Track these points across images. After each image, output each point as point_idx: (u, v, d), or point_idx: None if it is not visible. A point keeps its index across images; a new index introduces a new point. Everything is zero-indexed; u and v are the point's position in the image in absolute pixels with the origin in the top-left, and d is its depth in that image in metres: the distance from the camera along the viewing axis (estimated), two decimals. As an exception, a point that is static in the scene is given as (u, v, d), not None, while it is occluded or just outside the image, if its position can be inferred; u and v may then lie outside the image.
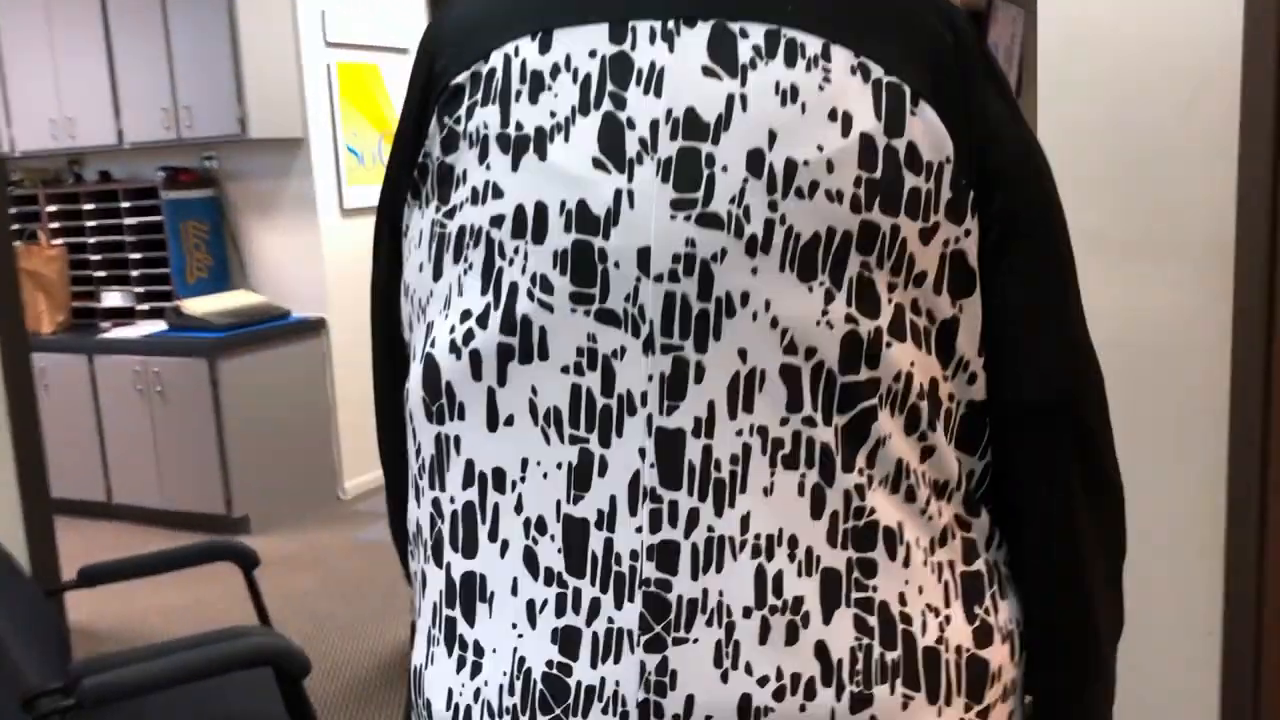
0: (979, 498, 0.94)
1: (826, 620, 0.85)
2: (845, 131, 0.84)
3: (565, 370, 0.88)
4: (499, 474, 0.89)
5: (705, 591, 0.84)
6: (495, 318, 0.89)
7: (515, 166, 0.88)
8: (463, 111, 0.91)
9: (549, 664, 0.86)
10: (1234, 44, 1.77)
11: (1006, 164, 0.90)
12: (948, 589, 0.89)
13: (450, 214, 0.92)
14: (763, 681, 0.83)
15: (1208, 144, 1.83)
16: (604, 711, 0.84)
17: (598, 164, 0.86)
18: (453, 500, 0.92)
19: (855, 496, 0.86)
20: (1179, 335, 1.82)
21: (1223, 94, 1.80)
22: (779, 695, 0.83)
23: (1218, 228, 1.82)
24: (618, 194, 0.86)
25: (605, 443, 0.86)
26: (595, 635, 0.85)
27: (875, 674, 0.85)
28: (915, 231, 0.87)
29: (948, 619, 0.88)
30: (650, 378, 0.86)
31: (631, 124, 0.86)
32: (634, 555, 0.85)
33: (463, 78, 0.92)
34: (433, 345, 0.93)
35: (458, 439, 0.92)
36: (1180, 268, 1.83)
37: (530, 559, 0.87)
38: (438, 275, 0.94)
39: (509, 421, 0.89)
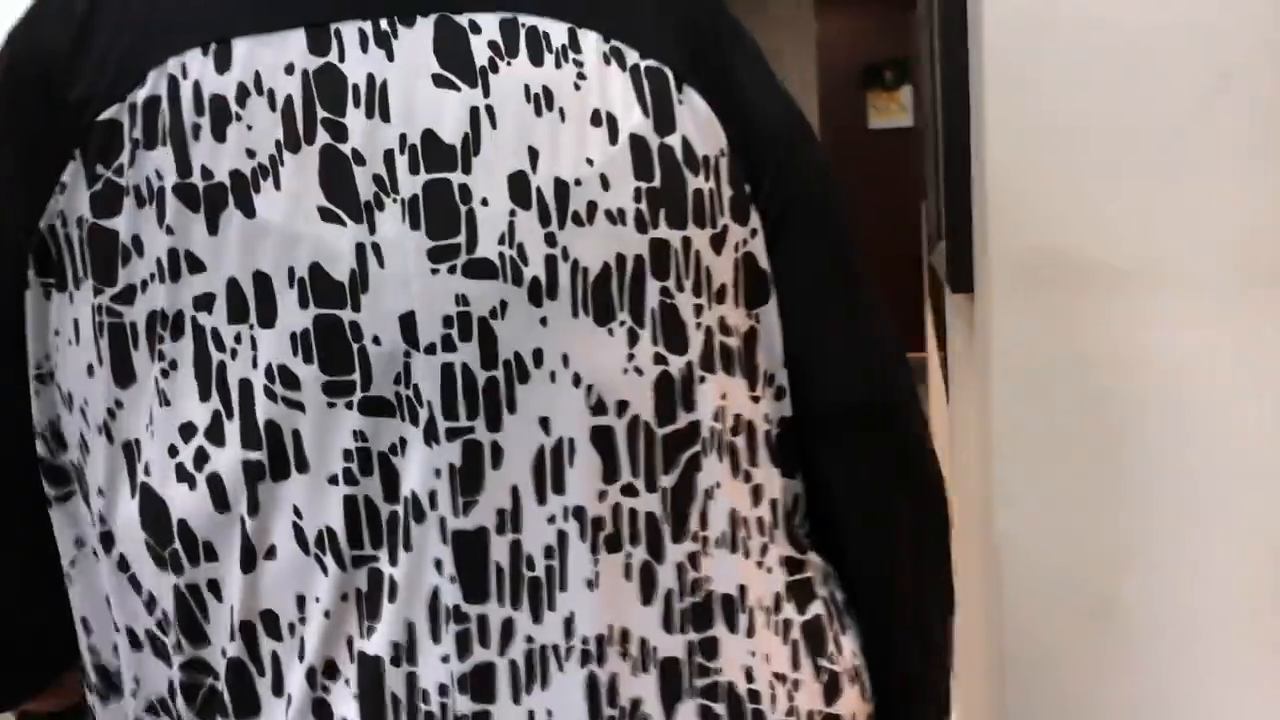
0: (805, 531, 0.84)
1: (669, 717, 0.75)
2: (613, 137, 0.73)
3: (333, 480, 0.72)
4: (269, 617, 0.74)
5: (531, 714, 0.73)
6: (232, 430, 0.73)
7: (214, 228, 0.71)
8: (124, 159, 0.71)
9: None
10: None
11: (769, 142, 0.79)
12: (795, 649, 0.81)
13: (124, 298, 0.73)
14: None
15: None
16: None
17: (326, 214, 0.71)
18: (224, 653, 0.75)
19: (690, 568, 0.76)
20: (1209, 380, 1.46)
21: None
22: None
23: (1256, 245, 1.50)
24: (360, 250, 0.71)
25: (394, 559, 0.72)
26: None
27: None
28: (706, 240, 0.77)
29: (796, 684, 0.80)
30: (438, 473, 0.72)
31: (359, 158, 0.71)
32: (443, 690, 0.72)
33: (114, 111, 0.71)
34: (147, 474, 0.74)
35: (214, 583, 0.74)
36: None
37: (322, 712, 0.73)
38: (124, 380, 0.74)
39: (270, 554, 0.73)
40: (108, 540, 0.77)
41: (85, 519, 0.79)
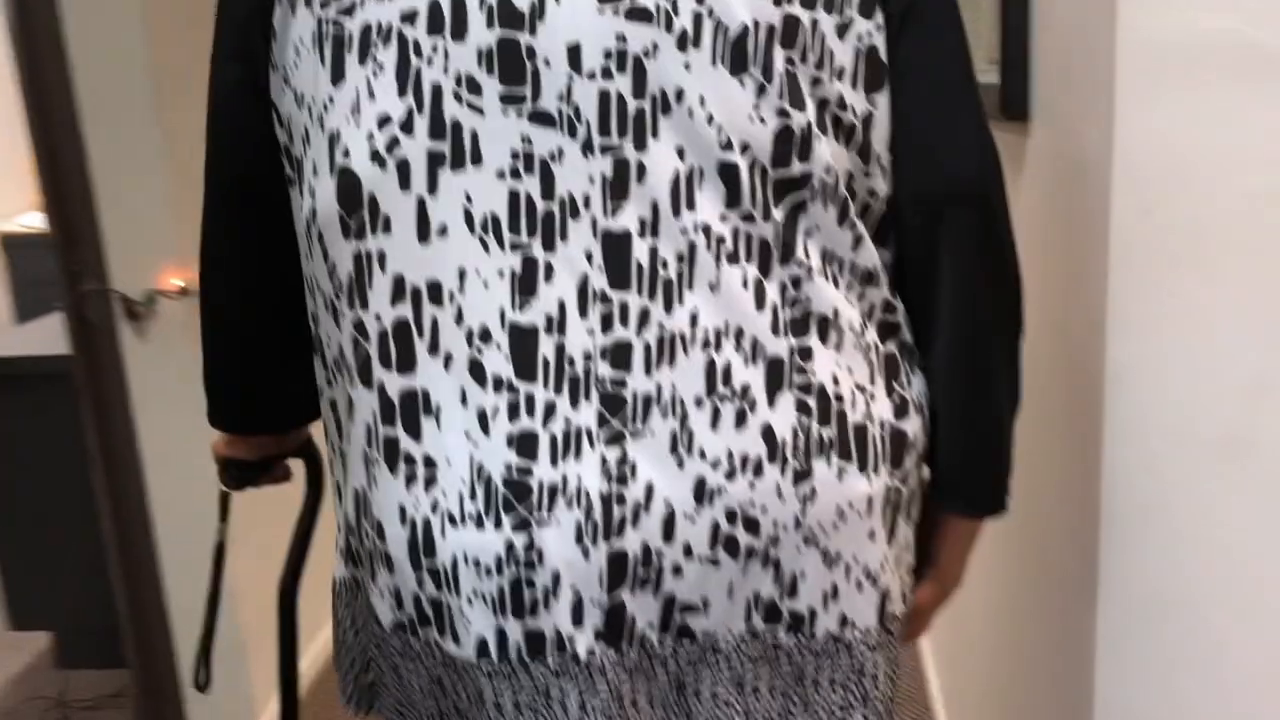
0: (891, 286, 0.99)
1: (771, 404, 0.91)
2: None
3: (501, 175, 0.88)
4: (434, 287, 0.90)
5: (659, 386, 0.89)
6: (421, 123, 0.88)
7: None
8: None
9: (508, 467, 0.88)
10: None
11: None
12: (872, 368, 0.96)
13: (348, 11, 0.89)
14: (715, 465, 0.89)
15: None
16: (568, 506, 0.87)
17: None
18: (379, 319, 0.91)
19: (792, 287, 0.92)
20: None
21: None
22: (730, 476, 0.89)
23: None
24: None
25: (549, 247, 0.88)
26: (553, 436, 0.88)
27: (814, 450, 0.92)
28: (832, 26, 0.90)
29: (873, 396, 0.95)
30: (592, 180, 0.88)
31: None
32: (587, 356, 0.88)
33: None
34: (346, 156, 0.90)
35: (382, 254, 0.91)
36: None
37: (476, 369, 0.89)
38: (338, 79, 0.90)
39: (442, 232, 0.89)
40: (314, 216, 0.94)
41: (298, 204, 0.96)
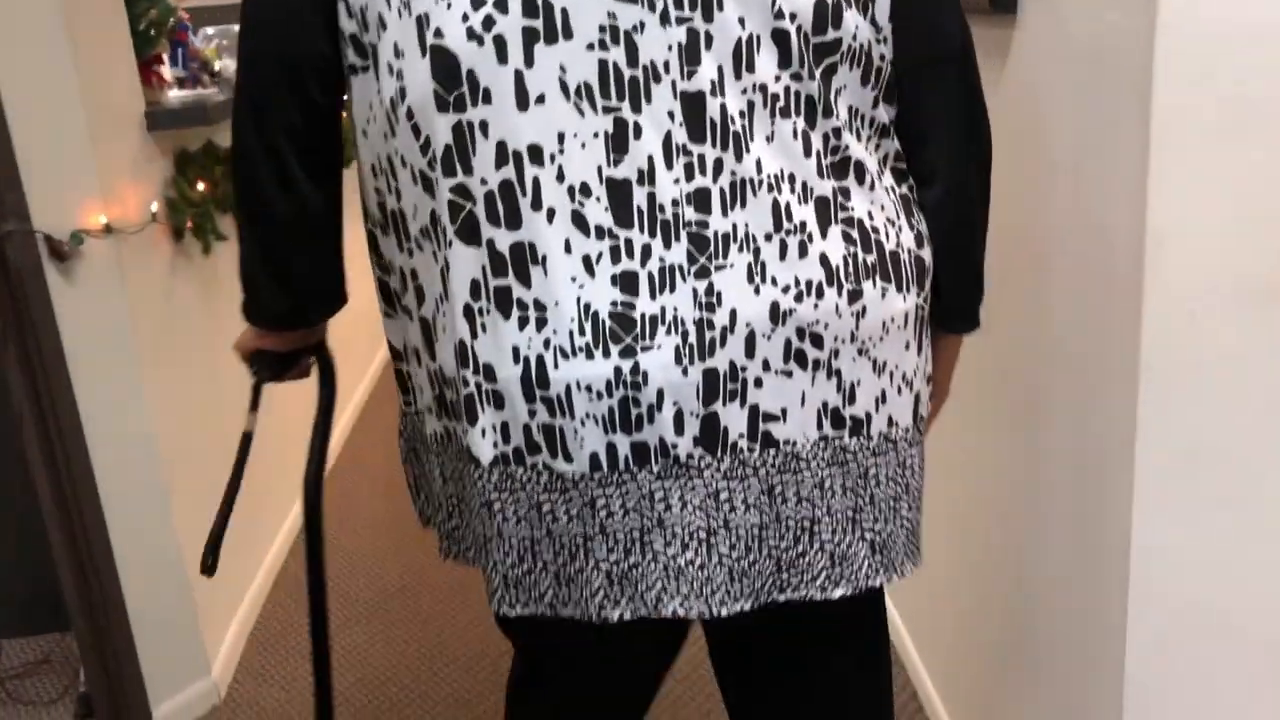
0: (897, 143, 1.13)
1: (824, 237, 1.05)
2: None
3: (590, 47, 0.98)
4: (535, 150, 0.99)
5: (735, 225, 1.02)
6: (515, 3, 0.97)
7: None
8: None
9: (613, 304, 1.01)
10: None
11: None
12: (897, 206, 1.11)
13: None
14: (785, 289, 1.03)
15: None
16: (667, 333, 1.00)
17: None
18: (484, 181, 1.01)
19: (833, 137, 1.06)
20: None
21: None
22: (798, 298, 1.04)
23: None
24: None
25: (637, 109, 0.99)
26: (651, 274, 1.01)
27: (862, 273, 1.06)
28: None
29: (900, 229, 1.10)
30: (670, 47, 0.99)
31: None
32: (675, 203, 1.00)
33: None
34: (439, 36, 0.99)
35: (484, 123, 1.00)
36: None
37: (579, 220, 1.00)
38: None
39: (540, 100, 0.99)
40: (401, 95, 1.02)
41: (374, 88, 1.05)
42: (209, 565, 1.43)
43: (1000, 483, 1.70)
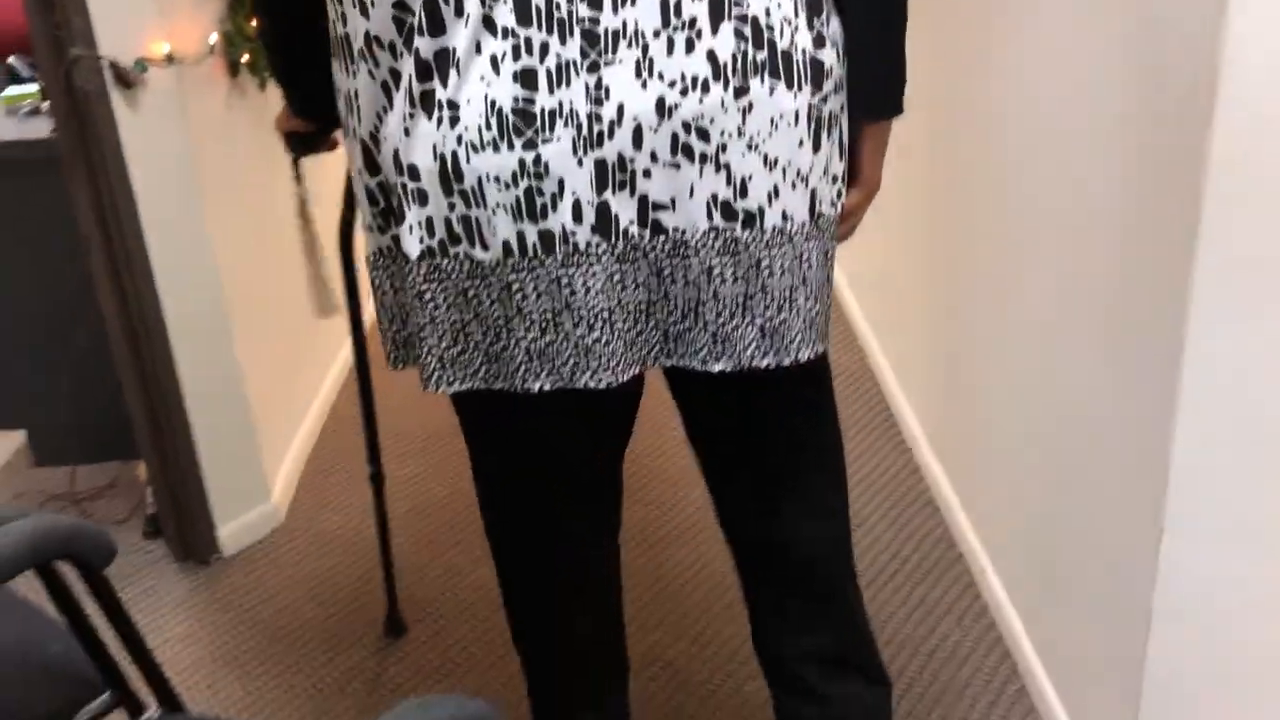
0: None
1: (714, 33, 1.10)
2: None
3: None
4: None
5: (625, 22, 1.08)
6: None
7: None
8: None
9: (515, 99, 1.08)
10: None
11: None
12: (797, 5, 1.14)
13: None
14: (671, 84, 1.09)
15: None
16: (565, 125, 1.08)
17: None
18: None
19: None
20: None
21: None
22: (684, 93, 1.10)
23: None
24: None
25: None
26: (549, 70, 1.08)
27: (750, 70, 1.11)
28: None
29: (797, 29, 1.14)
30: None
31: None
32: (570, 0, 1.07)
33: None
34: None
35: None
36: None
37: (489, 22, 1.07)
38: None
39: None
40: None
41: None
42: (323, 310, 1.70)
43: (1046, 293, 1.73)
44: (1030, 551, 1.88)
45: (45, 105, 2.44)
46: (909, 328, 2.68)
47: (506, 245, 1.12)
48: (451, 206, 1.12)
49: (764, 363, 1.20)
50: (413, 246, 1.15)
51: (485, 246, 1.12)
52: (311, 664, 2.06)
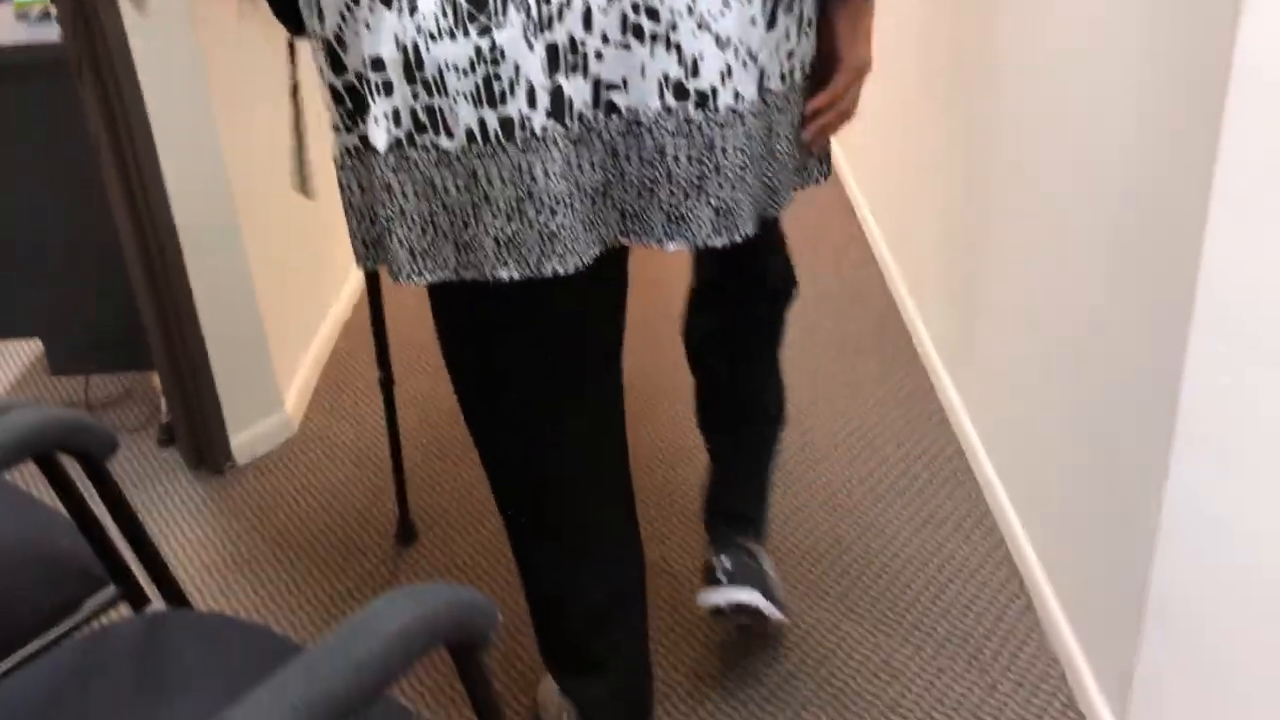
0: None
1: None
2: None
3: None
4: None
5: None
6: None
7: None
8: None
9: None
10: None
11: None
12: None
13: None
14: None
15: None
16: (516, 10, 1.09)
17: None
18: None
19: None
20: None
21: None
22: None
23: None
24: None
25: None
26: None
27: None
28: None
29: None
30: None
31: None
32: None
33: None
34: None
35: None
36: None
37: None
38: None
39: None
40: None
41: None
42: (302, 187, 1.64)
43: (1061, 210, 1.71)
44: (1039, 469, 1.88)
45: (55, 10, 2.41)
46: (925, 246, 2.65)
47: (469, 132, 1.13)
48: (415, 95, 1.13)
49: (718, 242, 1.22)
50: (380, 138, 1.16)
51: (450, 134, 1.14)
52: (323, 570, 2.09)
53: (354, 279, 3.12)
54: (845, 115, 1.34)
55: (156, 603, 1.26)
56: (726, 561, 1.71)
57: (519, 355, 1.33)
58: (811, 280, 3.07)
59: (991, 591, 1.94)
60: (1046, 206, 1.78)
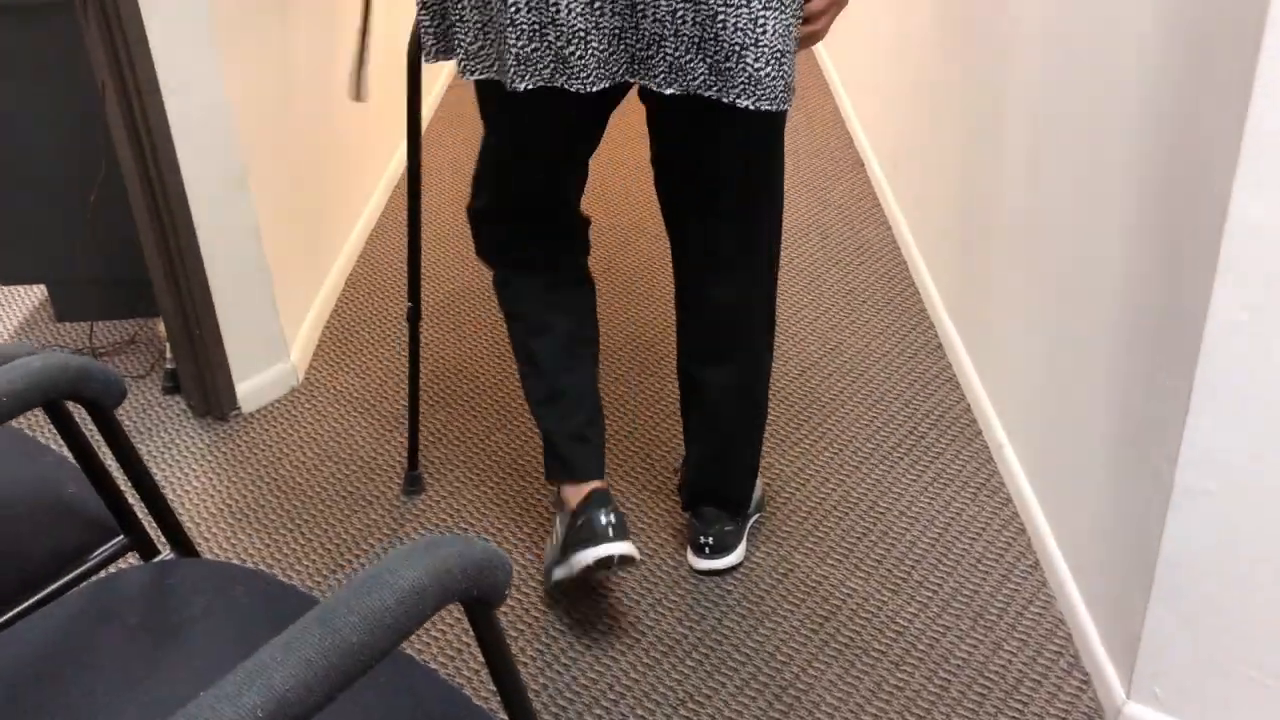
0: None
1: None
2: None
3: None
4: None
5: None
6: None
7: None
8: None
9: None
10: None
11: None
12: None
13: None
14: None
15: None
16: None
17: None
18: None
19: None
20: None
21: None
22: None
23: None
24: None
25: None
26: None
27: None
28: None
29: None
30: None
31: None
32: None
33: None
34: None
35: None
36: None
37: None
38: None
39: None
40: None
41: None
42: (357, 94, 1.96)
43: (1077, 165, 1.69)
44: (1048, 427, 1.86)
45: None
46: (936, 203, 2.63)
47: None
48: None
49: (709, 93, 1.42)
50: None
51: None
52: (329, 519, 2.09)
53: (360, 229, 3.09)
54: (812, 40, 1.52)
55: (164, 551, 1.26)
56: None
57: (529, 134, 1.61)
58: (821, 236, 3.04)
59: (998, 550, 1.93)
60: (1061, 159, 1.75)
